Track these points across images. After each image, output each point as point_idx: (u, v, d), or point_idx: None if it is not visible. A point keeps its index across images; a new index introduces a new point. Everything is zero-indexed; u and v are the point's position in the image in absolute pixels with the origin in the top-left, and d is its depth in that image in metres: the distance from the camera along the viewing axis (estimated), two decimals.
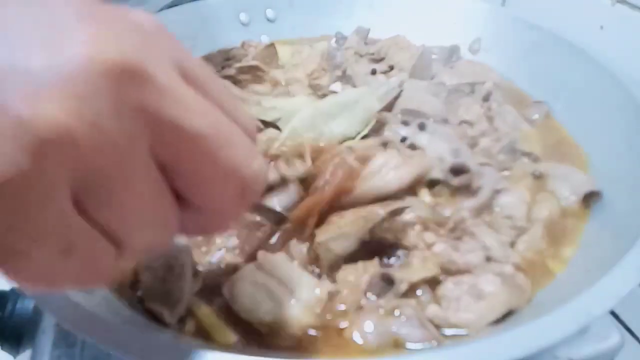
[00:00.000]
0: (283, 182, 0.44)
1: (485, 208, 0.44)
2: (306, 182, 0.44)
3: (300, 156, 0.46)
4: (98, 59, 0.16)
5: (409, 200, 0.43)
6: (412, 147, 0.49)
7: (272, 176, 0.44)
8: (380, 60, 0.67)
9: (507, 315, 0.36)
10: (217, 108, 0.21)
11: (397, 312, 0.36)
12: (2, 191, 0.15)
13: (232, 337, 0.35)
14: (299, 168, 0.45)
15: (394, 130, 0.50)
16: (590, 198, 0.45)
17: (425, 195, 0.45)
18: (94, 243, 0.19)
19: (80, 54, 0.16)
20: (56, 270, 0.18)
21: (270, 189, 0.43)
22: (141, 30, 0.19)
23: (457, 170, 0.46)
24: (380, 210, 0.40)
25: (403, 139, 0.50)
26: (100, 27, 0.17)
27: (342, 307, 0.37)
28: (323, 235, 0.40)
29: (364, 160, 0.45)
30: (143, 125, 0.18)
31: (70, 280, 0.19)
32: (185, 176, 0.20)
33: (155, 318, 0.35)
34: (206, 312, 0.37)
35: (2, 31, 0.17)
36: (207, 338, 0.35)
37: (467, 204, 0.44)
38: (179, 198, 0.21)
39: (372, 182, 0.44)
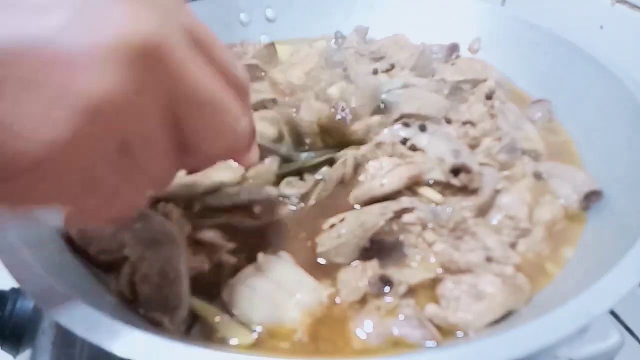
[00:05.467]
0: None
1: (486, 208, 0.44)
2: None
3: None
4: (130, 40, 0.21)
5: (408, 201, 0.43)
6: (413, 148, 0.49)
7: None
8: (380, 59, 0.66)
9: (506, 316, 0.36)
10: (219, 74, 0.27)
11: (396, 312, 0.36)
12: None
13: (251, 336, 0.35)
14: None
15: (394, 132, 0.50)
16: (591, 198, 0.45)
17: (431, 193, 0.45)
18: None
19: (118, 34, 0.21)
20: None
21: None
22: (162, 5, 0.23)
23: (458, 171, 0.46)
24: (380, 219, 0.40)
25: (404, 141, 0.50)
26: (131, 8, 0.22)
27: (342, 307, 0.37)
28: (324, 245, 0.40)
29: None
30: (163, 91, 0.24)
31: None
32: (190, 128, 0.26)
33: (158, 325, 0.35)
34: (217, 315, 0.36)
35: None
36: (218, 341, 0.35)
37: (468, 204, 0.44)
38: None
39: (367, 186, 0.44)
